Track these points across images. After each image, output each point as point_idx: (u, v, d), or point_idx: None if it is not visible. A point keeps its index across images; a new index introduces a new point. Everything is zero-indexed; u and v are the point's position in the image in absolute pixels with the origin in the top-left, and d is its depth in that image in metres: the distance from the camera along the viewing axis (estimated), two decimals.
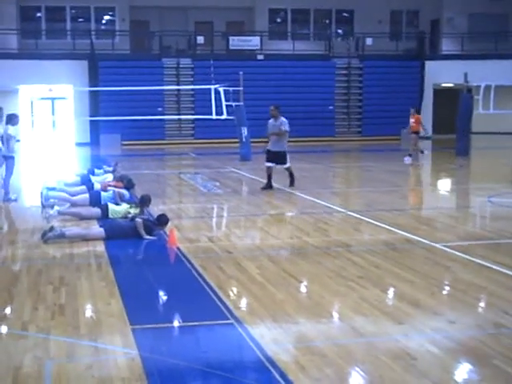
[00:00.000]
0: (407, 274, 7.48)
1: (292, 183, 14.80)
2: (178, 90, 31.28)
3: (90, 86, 29.97)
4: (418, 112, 21.72)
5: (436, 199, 14.80)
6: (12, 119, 13.87)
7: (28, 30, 34.05)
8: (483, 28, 35.10)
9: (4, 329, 5.87)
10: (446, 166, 20.88)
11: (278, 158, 14.49)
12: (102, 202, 11.51)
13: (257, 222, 11.21)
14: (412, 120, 22.00)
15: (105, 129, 29.68)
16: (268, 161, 14.60)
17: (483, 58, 33.03)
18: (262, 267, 7.81)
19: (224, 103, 22.16)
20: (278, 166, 14.61)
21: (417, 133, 22.03)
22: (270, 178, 14.59)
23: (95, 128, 30.47)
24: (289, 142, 14.72)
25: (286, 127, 14.46)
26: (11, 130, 13.35)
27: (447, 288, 7.23)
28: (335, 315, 6.25)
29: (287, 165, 14.67)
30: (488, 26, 35.02)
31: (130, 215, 10.20)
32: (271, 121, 14.62)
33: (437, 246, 8.88)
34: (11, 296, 6.80)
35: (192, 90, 30.63)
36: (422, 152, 22.56)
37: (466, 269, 7.78)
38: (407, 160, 20.95)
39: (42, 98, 34.08)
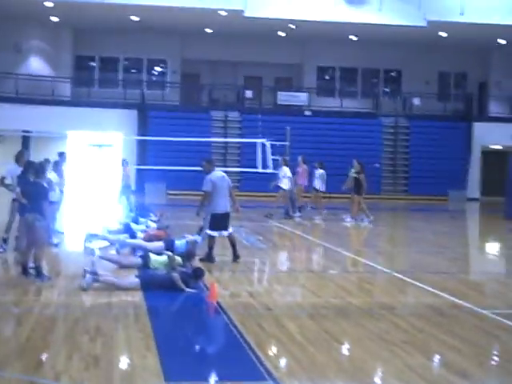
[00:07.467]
0: (454, 341, 7.18)
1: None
2: (226, 142, 31.53)
3: (139, 135, 30.45)
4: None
5: (484, 263, 14.42)
6: (55, 166, 14.12)
7: (82, 79, 35.02)
8: None
9: (36, 378, 5.72)
10: (495, 229, 20.40)
11: None
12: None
13: (299, 278, 11.01)
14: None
15: (151, 177, 29.96)
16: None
17: None
18: (303, 326, 7.61)
19: (270, 157, 22.21)
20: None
21: None
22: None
23: (141, 176, 30.79)
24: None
25: (204, 186, 11.86)
26: (52, 175, 13.51)
27: (496, 358, 6.92)
28: (377, 382, 6.00)
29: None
30: None
31: (170, 266, 10.14)
32: None
33: (485, 312, 8.56)
34: (46, 344, 6.72)
35: (239, 142, 30.83)
36: None
37: None
38: None
39: (91, 145, 34.63)
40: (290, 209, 20.47)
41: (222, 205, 11.79)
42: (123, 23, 32.33)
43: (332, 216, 20.32)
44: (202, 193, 11.95)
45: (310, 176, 21.75)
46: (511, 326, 7.96)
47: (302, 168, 21.38)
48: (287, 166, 20.92)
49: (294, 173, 21.03)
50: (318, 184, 21.50)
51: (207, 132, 30.86)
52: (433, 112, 34.16)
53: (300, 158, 21.74)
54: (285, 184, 20.56)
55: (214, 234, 11.79)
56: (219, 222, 11.77)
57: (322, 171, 21.54)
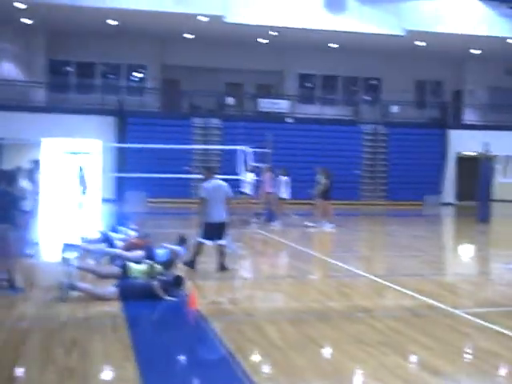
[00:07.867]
0: (428, 340, 7.38)
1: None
2: (206, 149, 31.49)
3: (118, 143, 30.20)
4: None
5: (457, 265, 14.73)
6: (29, 174, 13.98)
7: (57, 84, 34.27)
8: (503, 100, 36.09)
9: None
10: (467, 232, 20.78)
11: None
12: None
13: (279, 284, 11.13)
14: None
15: (131, 185, 29.78)
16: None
17: (504, 128, 33.85)
18: (283, 331, 7.72)
19: (252, 164, 22.33)
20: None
21: None
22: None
23: (121, 184, 30.59)
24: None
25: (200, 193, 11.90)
26: (25, 184, 13.36)
27: (467, 356, 7.13)
28: (354, 383, 6.14)
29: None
30: (508, 98, 36.02)
31: (150, 275, 10.16)
32: None
33: (457, 312, 8.80)
34: (19, 357, 6.57)
35: (220, 149, 30.83)
36: None
37: (485, 336, 7.69)
38: None
39: (66, 152, 34.18)
40: (252, 215, 20.75)
41: (216, 214, 11.59)
42: (100, 27, 31.81)
43: (314, 223, 20.48)
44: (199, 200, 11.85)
45: (276, 183, 21.73)
46: (480, 324, 8.20)
47: (267, 176, 21.44)
48: (252, 172, 21.16)
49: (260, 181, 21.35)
50: (283, 192, 21.34)
51: (188, 139, 30.82)
52: (410, 119, 34.62)
53: (264, 166, 21.86)
54: (247, 189, 20.81)
55: (206, 242, 11.69)
56: (213, 231, 11.65)
57: (285, 178, 21.52)
